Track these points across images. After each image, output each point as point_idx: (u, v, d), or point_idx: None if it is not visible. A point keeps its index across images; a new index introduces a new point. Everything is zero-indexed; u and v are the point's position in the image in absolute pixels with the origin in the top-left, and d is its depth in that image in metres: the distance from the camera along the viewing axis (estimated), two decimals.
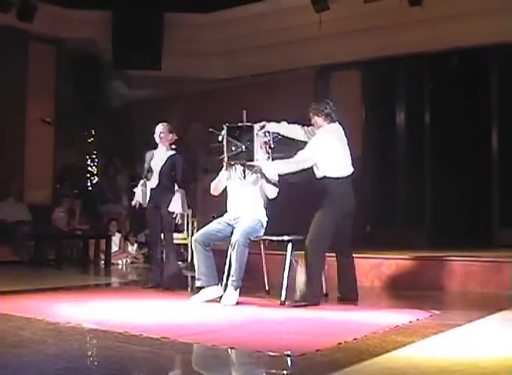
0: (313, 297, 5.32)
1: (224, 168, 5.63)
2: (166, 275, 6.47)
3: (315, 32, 9.60)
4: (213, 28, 11.12)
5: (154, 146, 6.63)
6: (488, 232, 9.08)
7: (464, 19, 8.94)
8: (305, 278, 5.41)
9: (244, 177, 5.63)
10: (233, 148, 5.45)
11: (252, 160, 5.46)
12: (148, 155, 6.62)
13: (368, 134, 10.24)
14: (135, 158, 6.76)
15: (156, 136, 6.56)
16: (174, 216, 6.48)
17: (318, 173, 5.49)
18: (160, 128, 6.56)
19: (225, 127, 5.49)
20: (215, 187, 5.76)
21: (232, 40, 11.02)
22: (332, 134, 5.53)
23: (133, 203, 6.70)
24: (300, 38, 10.16)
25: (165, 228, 6.48)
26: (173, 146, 6.70)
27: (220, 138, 5.56)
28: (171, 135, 6.57)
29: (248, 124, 5.55)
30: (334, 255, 5.67)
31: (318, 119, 5.58)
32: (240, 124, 5.56)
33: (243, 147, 5.43)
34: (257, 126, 5.54)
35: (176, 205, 6.45)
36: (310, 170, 5.57)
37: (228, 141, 5.46)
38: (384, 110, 10.24)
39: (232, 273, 5.33)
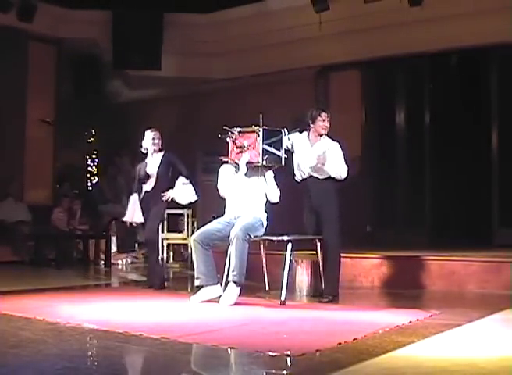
0: (337, 293, 5.66)
1: (245, 169, 5.59)
2: (150, 274, 6.58)
3: (315, 32, 9.60)
4: (213, 28, 11.12)
5: (142, 157, 6.61)
6: (488, 232, 9.07)
7: (463, 19, 8.94)
8: (332, 273, 5.67)
9: (264, 179, 5.65)
10: (267, 153, 5.48)
11: (280, 163, 5.58)
12: (141, 166, 6.58)
13: (367, 134, 10.23)
14: (135, 158, 6.75)
15: (148, 142, 6.53)
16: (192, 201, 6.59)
17: (324, 175, 5.66)
18: (153, 134, 6.54)
19: (261, 130, 5.47)
20: (227, 189, 5.72)
21: (232, 40, 11.02)
22: None
23: (124, 219, 6.69)
24: (300, 38, 10.15)
25: (151, 227, 6.47)
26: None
27: (228, 140, 5.58)
28: (161, 140, 6.60)
29: (278, 128, 5.62)
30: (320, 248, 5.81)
31: (327, 128, 5.80)
32: (271, 128, 5.59)
33: (277, 151, 5.50)
34: (284, 131, 5.67)
35: (191, 194, 6.51)
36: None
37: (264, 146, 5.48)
38: (384, 110, 10.23)
39: (232, 267, 5.29)
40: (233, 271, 5.28)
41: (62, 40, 10.99)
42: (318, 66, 10.43)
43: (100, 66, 11.64)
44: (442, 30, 9.05)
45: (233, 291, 5.28)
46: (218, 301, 5.31)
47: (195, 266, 5.51)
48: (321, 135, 5.78)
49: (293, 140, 5.84)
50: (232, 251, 5.33)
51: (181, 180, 6.48)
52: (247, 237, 5.34)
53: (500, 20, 8.48)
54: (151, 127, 6.66)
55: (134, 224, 6.68)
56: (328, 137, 5.82)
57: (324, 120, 5.75)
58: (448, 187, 9.95)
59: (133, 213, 6.54)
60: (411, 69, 9.95)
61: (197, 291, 5.52)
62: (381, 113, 10.27)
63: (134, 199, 6.56)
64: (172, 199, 6.48)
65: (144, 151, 6.60)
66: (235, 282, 5.28)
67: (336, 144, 5.77)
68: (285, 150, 5.68)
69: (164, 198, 6.42)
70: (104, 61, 11.30)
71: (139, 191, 6.56)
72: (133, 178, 6.67)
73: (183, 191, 6.48)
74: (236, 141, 5.57)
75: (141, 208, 6.51)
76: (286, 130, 5.69)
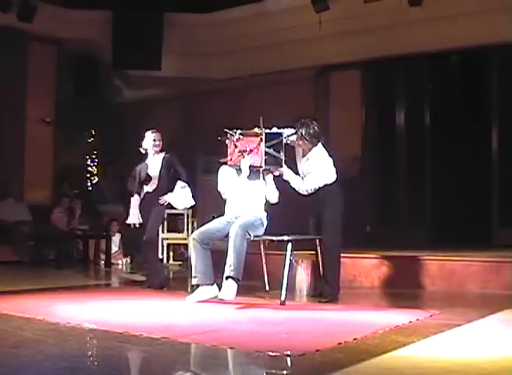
0: (337, 293, 5.65)
1: (247, 172, 5.53)
2: (151, 275, 6.60)
3: (315, 32, 9.59)
4: (213, 28, 11.12)
5: (142, 158, 6.61)
6: (488, 232, 9.07)
7: (464, 19, 8.93)
8: (331, 273, 5.65)
9: (264, 180, 5.64)
10: (268, 156, 5.45)
11: (281, 166, 5.55)
12: (142, 168, 6.58)
13: (368, 134, 10.23)
14: (134, 158, 6.75)
15: (149, 143, 6.54)
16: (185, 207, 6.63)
17: (318, 184, 5.63)
18: (154, 136, 6.55)
19: (263, 134, 5.42)
20: (228, 191, 5.69)
21: (232, 40, 11.01)
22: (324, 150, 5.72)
23: (129, 222, 6.67)
24: (300, 38, 10.15)
25: (151, 228, 6.47)
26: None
27: (228, 141, 5.55)
28: (161, 142, 6.60)
29: (279, 131, 5.59)
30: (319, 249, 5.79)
31: (306, 145, 5.66)
32: (273, 131, 5.55)
33: (277, 154, 5.48)
34: (286, 133, 5.63)
35: (187, 199, 6.53)
36: None
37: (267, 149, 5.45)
38: (384, 110, 10.23)
39: (230, 263, 5.21)
40: (230, 266, 5.20)
41: (62, 40, 11.00)
42: (318, 66, 10.43)
43: (100, 66, 11.64)
44: (442, 30, 9.04)
45: (231, 286, 5.19)
46: (216, 301, 5.29)
47: (193, 264, 5.47)
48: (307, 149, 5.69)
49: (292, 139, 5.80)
50: (230, 247, 5.27)
51: (180, 184, 6.49)
52: (246, 234, 5.33)
53: (500, 20, 8.48)
54: (152, 128, 6.67)
55: (137, 226, 6.67)
56: (322, 144, 5.72)
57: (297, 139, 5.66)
58: (448, 187, 9.95)
59: (137, 215, 6.56)
60: (411, 69, 9.94)
61: (194, 290, 5.50)
62: (381, 113, 10.27)
63: (136, 201, 6.57)
64: (168, 203, 6.51)
65: (143, 152, 6.60)
66: (232, 277, 5.20)
67: (321, 157, 5.65)
68: (285, 145, 5.63)
69: (161, 202, 6.44)
70: (104, 61, 11.30)
71: (140, 193, 6.57)
72: (134, 178, 6.66)
73: (180, 196, 6.49)
74: (238, 144, 5.52)
75: (142, 208, 6.52)
76: (288, 129, 5.65)
